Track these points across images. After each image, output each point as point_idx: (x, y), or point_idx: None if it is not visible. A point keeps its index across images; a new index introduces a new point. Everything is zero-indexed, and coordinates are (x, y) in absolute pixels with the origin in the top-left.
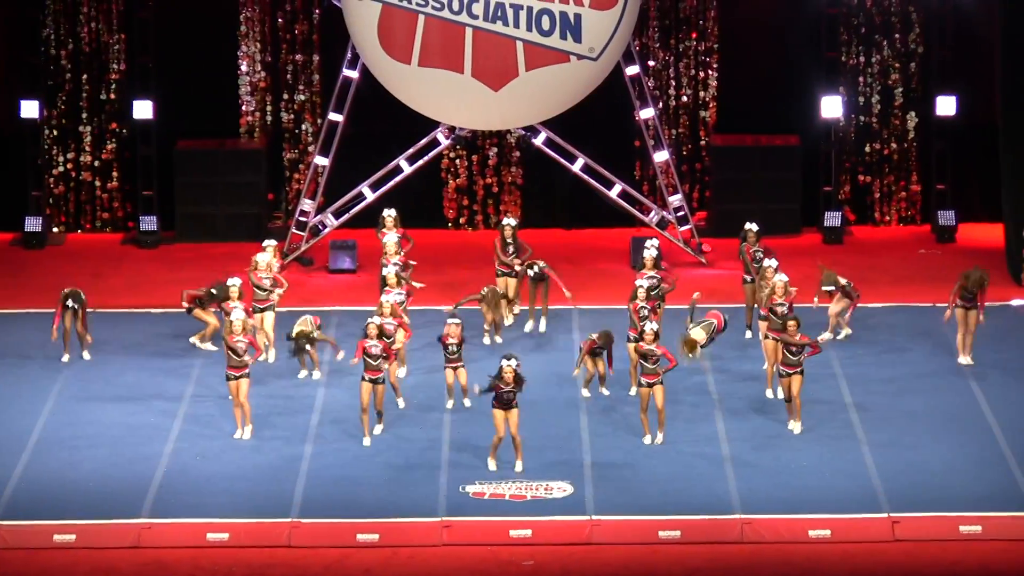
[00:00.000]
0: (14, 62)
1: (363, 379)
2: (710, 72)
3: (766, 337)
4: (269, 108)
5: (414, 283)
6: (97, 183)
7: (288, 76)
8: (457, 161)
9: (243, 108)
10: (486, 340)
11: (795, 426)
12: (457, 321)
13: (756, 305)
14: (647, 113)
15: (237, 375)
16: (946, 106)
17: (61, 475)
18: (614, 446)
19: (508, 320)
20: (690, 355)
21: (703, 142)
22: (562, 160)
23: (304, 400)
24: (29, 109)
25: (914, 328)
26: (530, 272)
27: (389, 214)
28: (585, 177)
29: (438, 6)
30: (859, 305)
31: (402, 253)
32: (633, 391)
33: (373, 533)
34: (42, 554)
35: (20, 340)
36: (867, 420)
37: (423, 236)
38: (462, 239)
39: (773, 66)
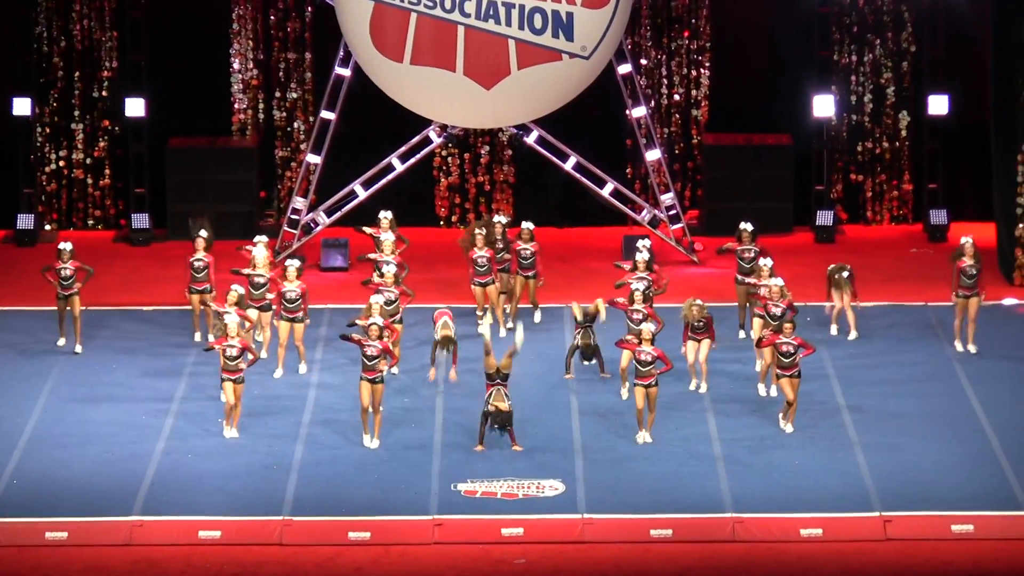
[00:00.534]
0: (6, 59)
1: (362, 379)
2: (702, 71)
3: (759, 342)
4: (261, 106)
5: (408, 290)
6: (89, 181)
7: (280, 74)
8: (449, 159)
9: (235, 106)
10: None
11: (787, 426)
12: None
13: (748, 304)
14: (639, 112)
15: (232, 379)
16: (938, 105)
17: (53, 472)
18: (606, 445)
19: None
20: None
21: (695, 141)
22: (554, 158)
23: (296, 398)
24: (21, 106)
25: (906, 327)
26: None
27: (385, 216)
28: (577, 176)
29: (430, 4)
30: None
31: (396, 253)
32: (624, 392)
33: (365, 531)
34: (34, 551)
35: (12, 338)
36: (859, 419)
37: (415, 234)
38: (454, 237)
39: (765, 65)
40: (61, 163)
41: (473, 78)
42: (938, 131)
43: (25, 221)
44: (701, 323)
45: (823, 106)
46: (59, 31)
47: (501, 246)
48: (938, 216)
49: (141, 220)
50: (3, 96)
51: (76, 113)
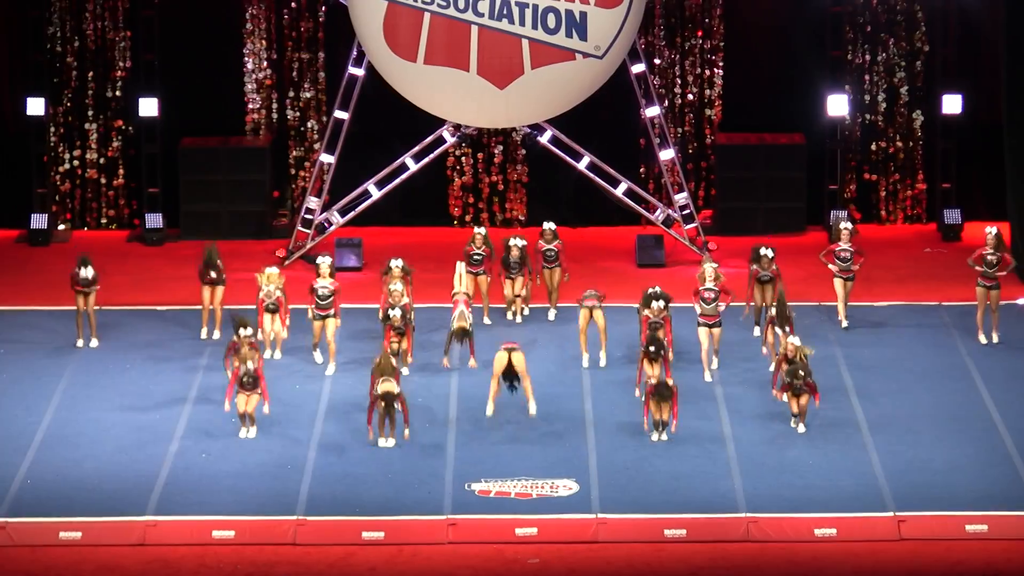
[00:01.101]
0: (20, 59)
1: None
2: (715, 70)
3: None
4: (274, 106)
5: (412, 322)
6: (102, 180)
7: (293, 74)
8: (462, 159)
9: (248, 106)
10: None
11: (800, 426)
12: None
13: (764, 304)
14: (653, 111)
15: (246, 393)
16: (952, 104)
17: (66, 472)
18: (620, 444)
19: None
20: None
21: (708, 140)
22: (567, 158)
23: (309, 398)
24: (35, 106)
25: (920, 327)
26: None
27: (396, 264)
28: (590, 175)
29: (444, 4)
30: (869, 304)
31: (406, 300)
32: (637, 392)
33: (378, 531)
34: (47, 551)
35: (25, 337)
36: (872, 419)
37: (428, 234)
38: (467, 237)
39: (778, 64)
40: (74, 163)
41: (486, 78)
42: (951, 130)
43: (38, 221)
44: (713, 296)
45: (836, 105)
46: (72, 31)
47: (486, 252)
48: (951, 215)
49: (154, 220)
50: (16, 96)
51: (89, 113)
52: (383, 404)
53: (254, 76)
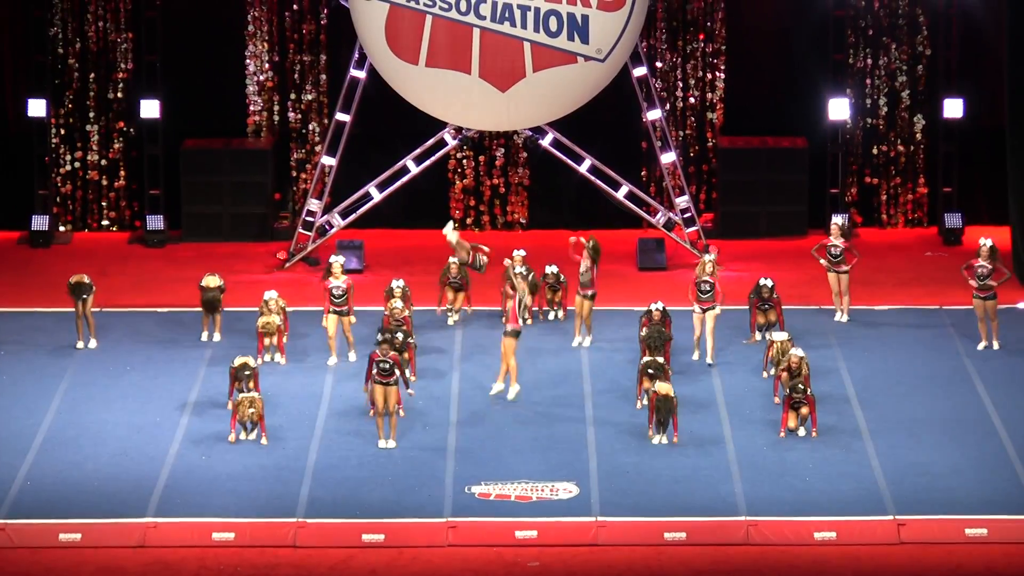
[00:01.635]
0: (22, 61)
1: (375, 383)
2: (717, 74)
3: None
4: (276, 108)
5: (413, 343)
6: (104, 182)
7: (295, 76)
8: (464, 162)
9: (250, 108)
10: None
11: (800, 429)
12: None
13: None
14: (654, 114)
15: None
16: (953, 108)
17: (66, 474)
18: (620, 447)
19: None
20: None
21: (710, 144)
22: (569, 161)
23: (310, 400)
24: (36, 108)
25: (920, 330)
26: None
27: (398, 285)
28: (592, 178)
29: (446, 7)
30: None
31: (407, 314)
32: (639, 405)
33: (379, 533)
34: (47, 553)
35: (26, 339)
36: (873, 422)
37: (429, 237)
38: (469, 240)
39: (780, 68)
40: (76, 164)
41: (488, 80)
42: (953, 134)
43: (40, 222)
44: (708, 287)
45: (838, 109)
46: (74, 32)
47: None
48: (953, 219)
49: (156, 222)
50: (18, 97)
51: (91, 114)
52: (382, 405)
53: (256, 78)
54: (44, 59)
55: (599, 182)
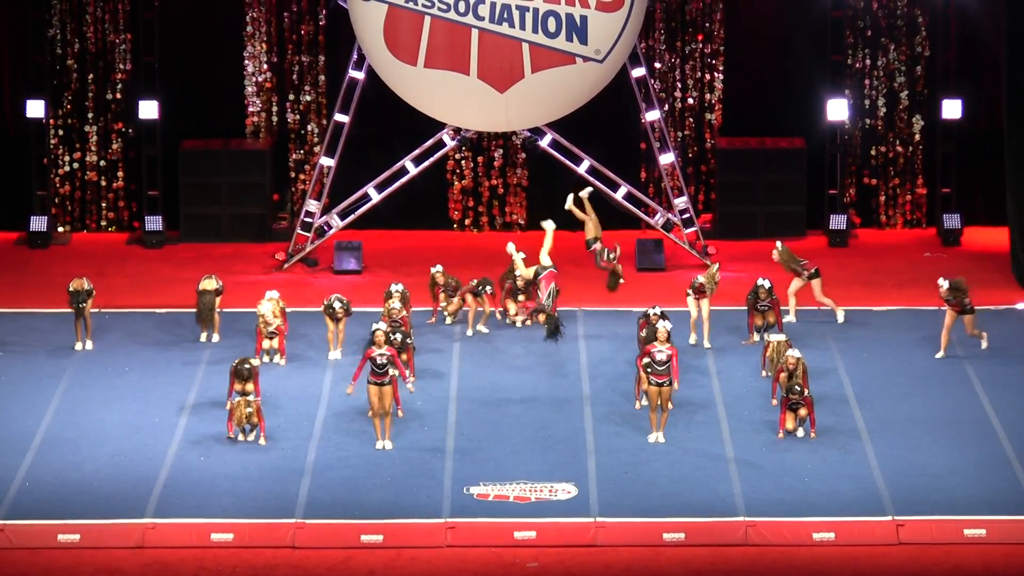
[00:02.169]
0: (20, 62)
1: (369, 383)
2: (716, 75)
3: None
4: (275, 109)
5: (412, 344)
6: (102, 183)
7: (294, 77)
8: (462, 162)
9: (248, 108)
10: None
11: (799, 430)
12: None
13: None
14: (653, 115)
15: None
16: (952, 109)
17: (65, 475)
18: (619, 448)
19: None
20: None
21: (708, 144)
22: (568, 162)
23: (308, 401)
24: (35, 109)
25: (919, 331)
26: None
27: (397, 289)
28: (591, 179)
29: (444, 7)
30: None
31: (404, 315)
32: (637, 405)
33: (377, 534)
34: (46, 554)
35: (25, 340)
36: (871, 423)
37: (428, 238)
38: (467, 241)
39: (779, 69)
40: (74, 165)
41: (487, 81)
42: (951, 135)
43: (38, 223)
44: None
45: (836, 110)
46: (73, 33)
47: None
48: (951, 220)
49: (154, 222)
50: (17, 98)
51: (89, 115)
52: (378, 405)
53: (254, 79)
54: (43, 60)
55: (598, 183)
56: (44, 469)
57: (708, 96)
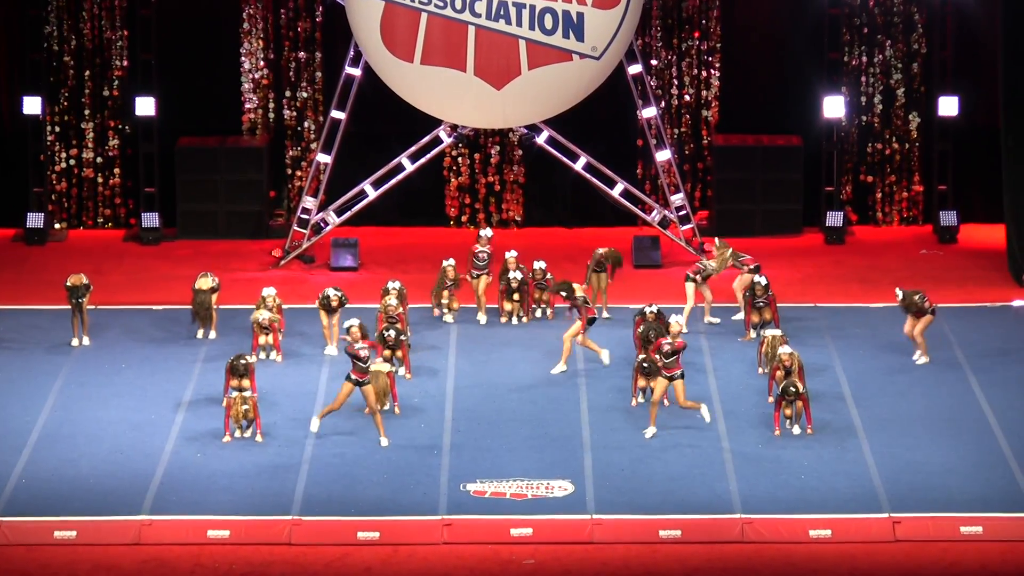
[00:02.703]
0: (17, 58)
1: (348, 378)
2: (712, 72)
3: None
4: (271, 105)
5: (408, 341)
6: (99, 180)
7: (290, 73)
8: (459, 159)
9: (245, 105)
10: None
11: (795, 427)
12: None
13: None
14: (649, 112)
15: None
16: (948, 107)
17: (62, 471)
18: (615, 445)
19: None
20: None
21: (705, 141)
22: (564, 159)
23: (304, 398)
24: (31, 105)
25: None
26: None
27: (394, 286)
28: (587, 176)
29: (441, 4)
30: (864, 305)
31: (400, 311)
32: (634, 402)
33: (374, 531)
34: (43, 550)
35: (22, 336)
36: (868, 420)
37: (424, 234)
38: (464, 237)
39: (775, 66)
40: (71, 162)
41: (483, 78)
42: (948, 132)
43: (35, 220)
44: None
45: (833, 107)
46: (69, 30)
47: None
48: (948, 217)
49: (151, 219)
50: (14, 95)
51: (86, 112)
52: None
53: (251, 76)
54: (39, 57)
55: (594, 180)
56: (41, 466)
57: (705, 93)
